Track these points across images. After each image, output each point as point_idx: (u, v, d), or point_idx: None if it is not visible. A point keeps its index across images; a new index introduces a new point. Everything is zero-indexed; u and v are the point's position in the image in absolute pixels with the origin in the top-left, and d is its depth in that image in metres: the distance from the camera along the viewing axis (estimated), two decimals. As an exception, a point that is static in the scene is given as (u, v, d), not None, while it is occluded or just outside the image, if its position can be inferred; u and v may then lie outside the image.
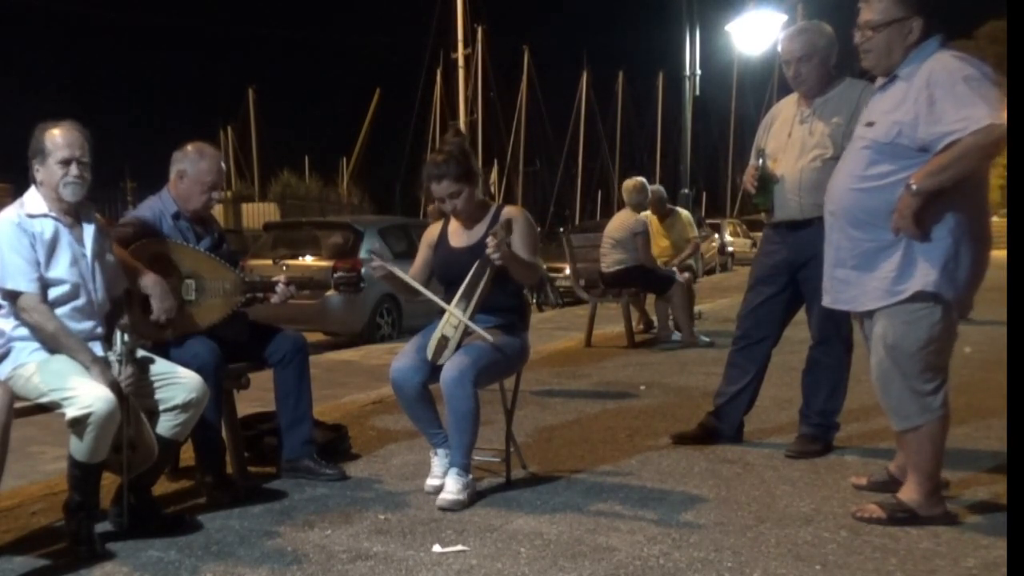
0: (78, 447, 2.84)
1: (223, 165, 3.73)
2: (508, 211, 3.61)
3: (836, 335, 3.93)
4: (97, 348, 3.04)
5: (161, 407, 3.10)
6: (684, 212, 8.95)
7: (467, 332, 3.41)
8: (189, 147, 3.67)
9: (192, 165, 3.62)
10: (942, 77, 2.87)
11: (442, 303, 3.49)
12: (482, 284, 3.41)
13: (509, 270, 3.42)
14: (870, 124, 3.05)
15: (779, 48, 3.94)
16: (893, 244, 2.96)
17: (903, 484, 3.27)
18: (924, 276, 2.92)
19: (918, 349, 2.98)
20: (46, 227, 3.02)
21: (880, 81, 3.13)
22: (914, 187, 2.85)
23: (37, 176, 3.05)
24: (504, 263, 3.35)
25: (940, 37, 3.00)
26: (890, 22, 2.98)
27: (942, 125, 2.84)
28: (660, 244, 8.25)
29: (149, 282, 3.36)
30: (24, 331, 3.02)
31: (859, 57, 3.12)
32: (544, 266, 8.70)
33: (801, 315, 4.06)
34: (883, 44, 3.01)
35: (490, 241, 3.32)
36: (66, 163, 3.00)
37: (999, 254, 2.90)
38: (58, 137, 3.01)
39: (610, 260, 7.85)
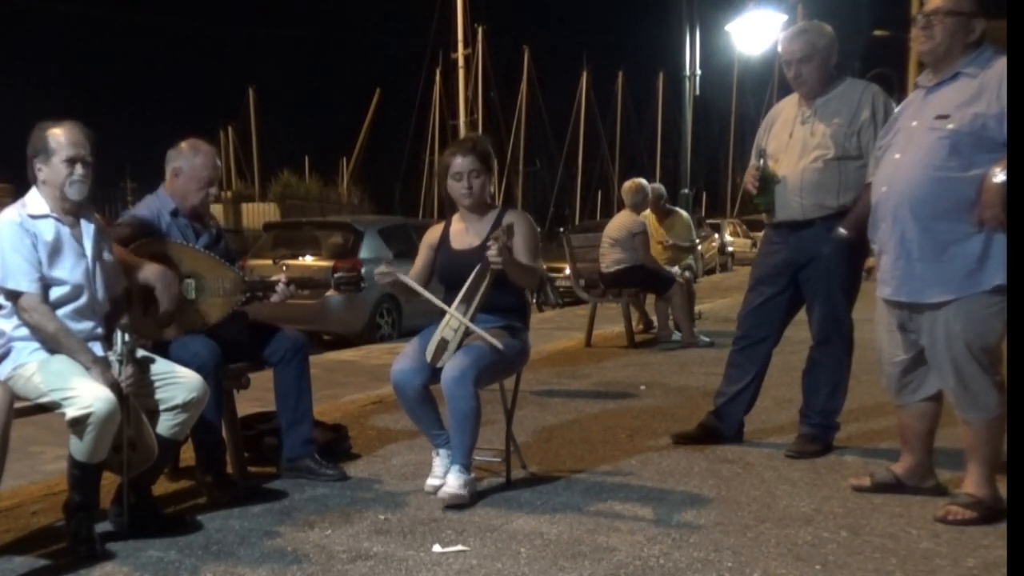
0: (78, 447, 2.84)
1: (218, 161, 3.73)
2: (511, 215, 3.62)
3: (836, 335, 3.93)
4: (97, 348, 3.04)
5: (161, 407, 3.10)
6: (684, 215, 8.87)
7: (467, 334, 3.41)
8: (183, 144, 3.67)
9: (187, 162, 3.62)
10: None
11: (445, 307, 3.49)
12: (483, 287, 3.41)
13: (508, 274, 3.42)
14: (943, 116, 3.02)
15: (779, 49, 3.94)
16: (972, 235, 2.95)
17: (909, 487, 3.31)
18: (1004, 268, 2.89)
19: (998, 340, 2.98)
20: (48, 228, 3.02)
21: (928, 79, 3.14)
22: (1002, 178, 2.81)
23: (40, 175, 3.04)
24: (504, 268, 3.35)
25: (995, 47, 3.02)
26: (957, 13, 3.01)
27: None
28: (656, 248, 8.14)
29: (151, 273, 3.36)
30: (24, 331, 3.01)
31: (918, 41, 3.11)
32: (544, 267, 8.69)
33: (801, 315, 4.07)
34: (945, 34, 3.04)
35: (492, 245, 3.32)
36: (71, 162, 3.01)
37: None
38: (62, 136, 3.01)
39: (609, 260, 7.85)
